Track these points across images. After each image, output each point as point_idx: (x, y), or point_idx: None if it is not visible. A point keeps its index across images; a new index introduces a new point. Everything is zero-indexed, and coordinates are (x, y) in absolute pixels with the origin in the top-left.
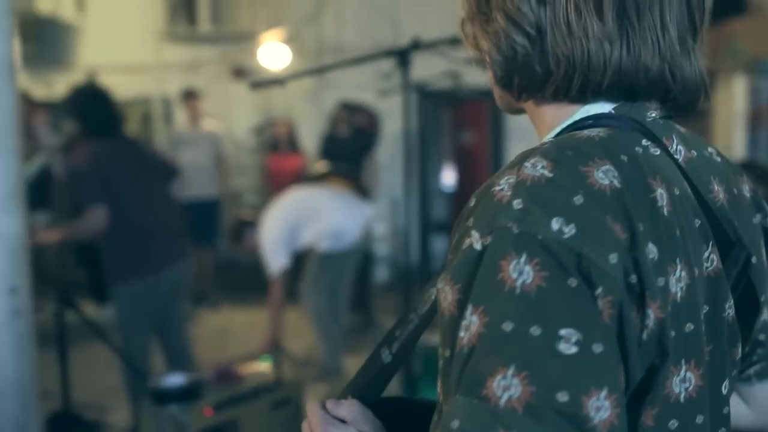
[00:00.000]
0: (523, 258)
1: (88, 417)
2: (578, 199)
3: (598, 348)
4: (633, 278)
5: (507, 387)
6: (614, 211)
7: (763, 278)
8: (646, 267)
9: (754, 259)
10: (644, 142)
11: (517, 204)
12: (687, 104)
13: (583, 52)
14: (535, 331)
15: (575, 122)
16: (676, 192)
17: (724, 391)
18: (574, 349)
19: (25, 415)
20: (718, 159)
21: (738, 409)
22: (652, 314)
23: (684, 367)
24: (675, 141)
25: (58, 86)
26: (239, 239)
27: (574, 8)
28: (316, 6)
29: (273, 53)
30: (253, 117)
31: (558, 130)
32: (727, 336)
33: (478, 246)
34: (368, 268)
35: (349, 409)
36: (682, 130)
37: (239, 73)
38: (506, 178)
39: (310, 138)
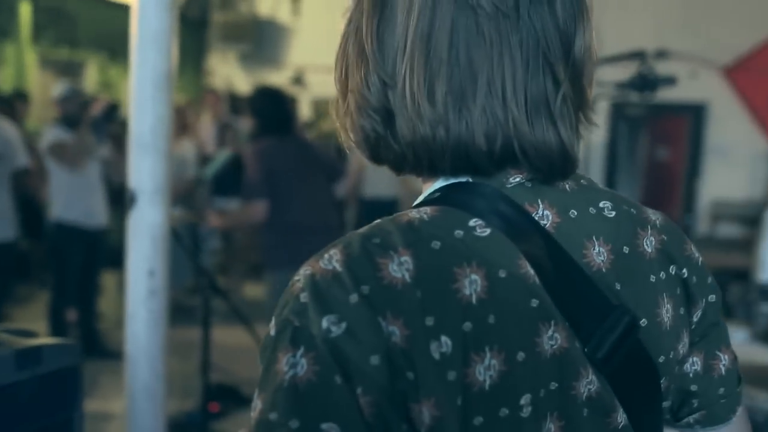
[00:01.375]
0: (300, 352)
1: (245, 391)
2: (354, 298)
3: None
4: (410, 375)
5: None
6: (396, 308)
7: (659, 339)
8: (427, 364)
9: (643, 322)
10: (472, 222)
11: (302, 297)
12: (545, 174)
13: (422, 136)
14: (294, 423)
15: (429, 194)
16: (501, 275)
17: None
18: None
19: (154, 383)
20: (612, 213)
21: None
22: (427, 411)
23: None
24: (541, 206)
25: (270, 82)
26: None
27: (409, 93)
28: None
29: None
30: None
31: (419, 200)
32: (590, 410)
33: (272, 332)
34: None
35: None
36: (567, 186)
37: None
38: (305, 268)
39: None
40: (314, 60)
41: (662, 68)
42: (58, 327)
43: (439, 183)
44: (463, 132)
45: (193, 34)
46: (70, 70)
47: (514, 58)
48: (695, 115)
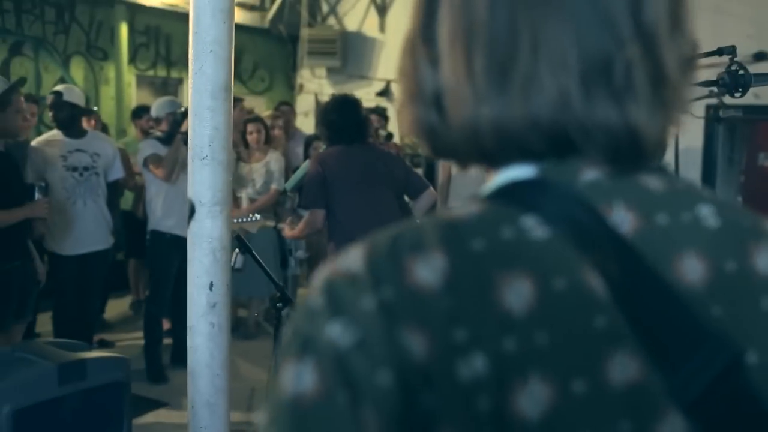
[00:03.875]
0: (307, 363)
1: None
2: (369, 302)
3: None
4: (429, 399)
5: None
6: (420, 317)
7: None
8: (451, 387)
9: (753, 358)
10: (527, 222)
11: (314, 300)
12: (610, 161)
13: (465, 118)
14: None
15: (487, 190)
16: (558, 286)
17: None
18: None
19: (216, 397)
20: (714, 222)
21: None
22: None
23: None
24: (618, 207)
25: (357, 95)
26: None
27: (450, 68)
28: None
29: None
30: None
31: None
32: None
33: (286, 340)
34: None
35: None
36: (654, 185)
37: None
38: (324, 270)
39: None
40: None
41: (759, 70)
42: (150, 330)
43: (501, 177)
44: (503, 109)
45: (283, 49)
46: (167, 88)
47: (562, 8)
48: None
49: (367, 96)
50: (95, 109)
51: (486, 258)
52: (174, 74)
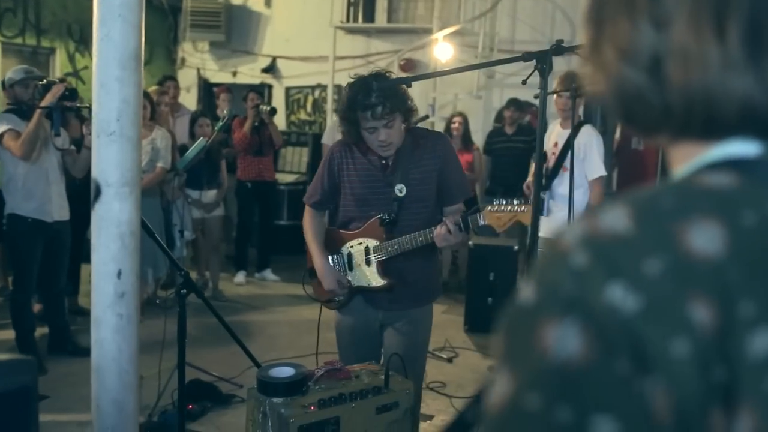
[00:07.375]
0: (570, 323)
1: (222, 389)
2: (654, 265)
3: None
4: (719, 374)
5: None
6: (706, 286)
7: None
8: (745, 363)
9: None
10: None
11: (578, 259)
12: None
13: (703, 83)
14: (563, 410)
15: (704, 166)
16: None
17: None
18: None
19: (124, 394)
20: None
21: None
22: (749, 422)
23: None
24: None
25: (241, 71)
26: None
27: (693, 30)
28: (491, 3)
29: (441, 49)
30: (420, 109)
31: (684, 173)
32: None
33: (528, 297)
34: None
35: None
36: None
37: (408, 66)
38: (578, 226)
39: (476, 133)
40: (287, 50)
41: None
42: (19, 320)
43: (713, 155)
44: (756, 84)
45: (164, 21)
46: (37, 58)
47: None
48: None
49: (252, 72)
50: None
51: (761, 233)
52: (45, 43)
